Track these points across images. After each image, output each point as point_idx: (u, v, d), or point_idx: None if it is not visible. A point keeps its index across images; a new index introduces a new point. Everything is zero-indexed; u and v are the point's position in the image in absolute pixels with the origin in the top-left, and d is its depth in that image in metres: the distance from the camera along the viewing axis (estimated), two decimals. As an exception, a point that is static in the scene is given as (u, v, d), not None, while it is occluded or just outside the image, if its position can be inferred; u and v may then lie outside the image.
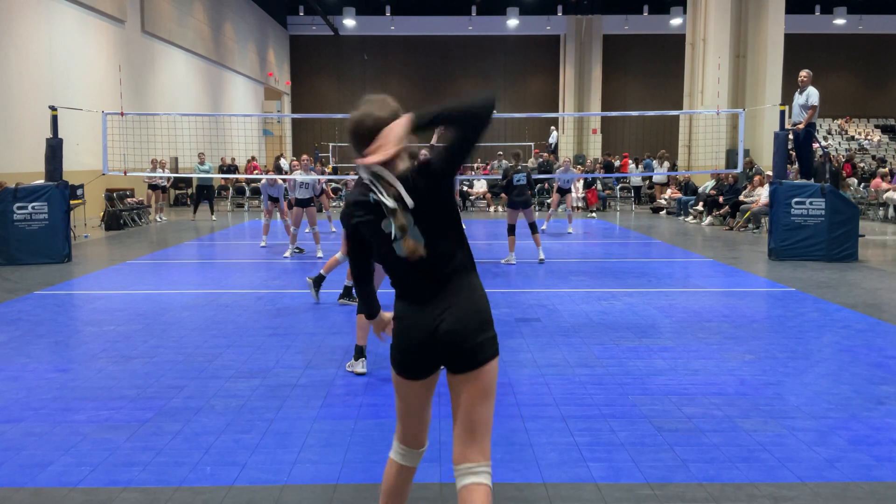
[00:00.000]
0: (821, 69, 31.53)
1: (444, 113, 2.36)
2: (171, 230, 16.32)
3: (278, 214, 13.93)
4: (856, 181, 20.81)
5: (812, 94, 11.60)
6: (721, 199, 16.86)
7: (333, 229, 15.41)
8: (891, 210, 17.61)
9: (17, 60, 14.88)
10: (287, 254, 11.82)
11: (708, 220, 17.04)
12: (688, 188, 19.83)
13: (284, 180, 13.06)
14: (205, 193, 18.95)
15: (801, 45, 32.93)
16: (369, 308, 2.74)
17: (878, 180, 18.88)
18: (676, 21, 33.04)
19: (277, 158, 27.14)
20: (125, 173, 13.94)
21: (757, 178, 16.29)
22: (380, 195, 2.32)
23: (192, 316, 7.32)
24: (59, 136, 11.39)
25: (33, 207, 10.85)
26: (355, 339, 5.41)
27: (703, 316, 7.23)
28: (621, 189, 23.83)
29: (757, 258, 11.32)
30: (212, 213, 19.16)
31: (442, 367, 2.54)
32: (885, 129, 36.84)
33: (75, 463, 3.82)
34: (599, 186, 22.43)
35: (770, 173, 12.83)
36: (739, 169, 14.62)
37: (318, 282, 7.93)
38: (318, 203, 14.50)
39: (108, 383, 5.15)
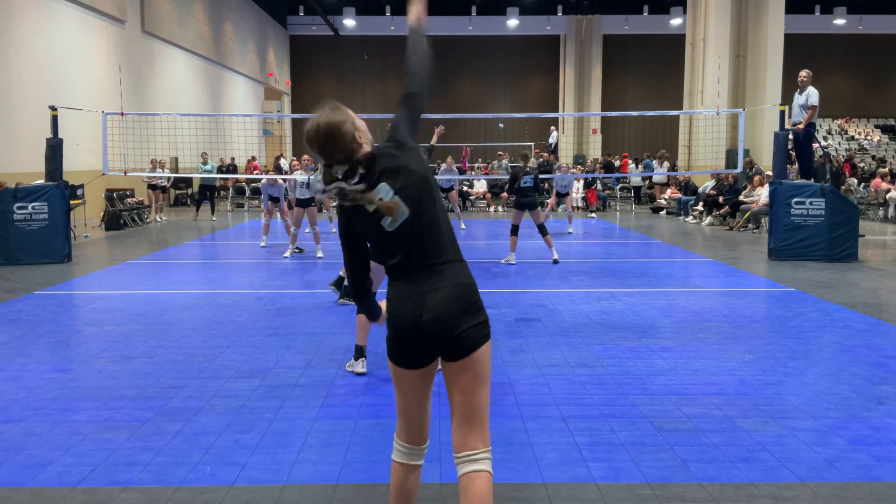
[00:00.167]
0: (821, 69, 31.53)
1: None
2: (171, 230, 16.32)
3: (278, 214, 13.93)
4: (855, 181, 20.80)
5: (812, 94, 11.60)
6: (721, 199, 16.87)
7: (334, 229, 15.40)
8: (891, 210, 17.61)
9: (17, 60, 14.88)
10: (287, 254, 11.82)
11: (708, 220, 17.04)
12: (688, 188, 19.83)
13: (285, 180, 13.06)
14: (207, 194, 18.95)
15: (801, 45, 32.92)
16: (371, 312, 2.74)
17: (878, 180, 18.88)
18: (676, 21, 33.05)
19: (277, 158, 27.13)
20: (125, 173, 13.94)
21: (757, 178, 16.29)
22: (346, 185, 2.43)
23: (192, 316, 7.32)
24: (59, 136, 11.39)
25: (33, 207, 10.85)
26: (355, 339, 5.41)
27: (703, 316, 7.23)
28: (621, 189, 23.83)
29: (757, 258, 11.32)
30: (212, 213, 19.16)
31: (437, 357, 2.53)
32: (885, 129, 36.85)
33: (75, 463, 3.82)
34: (599, 186, 22.43)
35: (770, 173, 12.83)
36: (739, 169, 14.62)
37: (339, 283, 7.93)
38: (318, 203, 14.50)
39: (108, 383, 5.15)
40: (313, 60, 38.40)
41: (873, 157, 30.27)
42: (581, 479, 3.60)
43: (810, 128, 11.76)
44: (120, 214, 16.52)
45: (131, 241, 13.99)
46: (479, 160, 30.29)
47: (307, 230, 13.44)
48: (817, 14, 35.87)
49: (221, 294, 8.53)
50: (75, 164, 15.68)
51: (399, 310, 2.47)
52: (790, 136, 12.00)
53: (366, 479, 3.60)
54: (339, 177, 2.47)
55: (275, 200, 13.10)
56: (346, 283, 7.80)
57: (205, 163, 18.67)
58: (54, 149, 11.15)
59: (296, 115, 37.10)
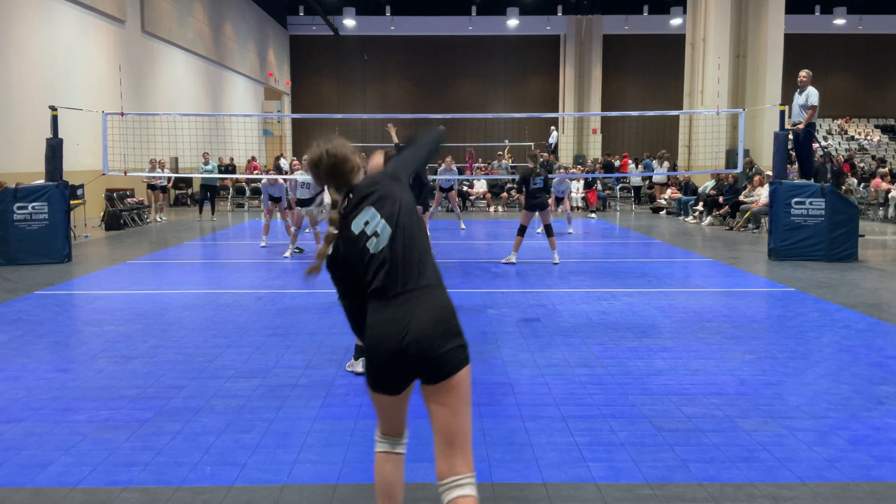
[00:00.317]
0: (821, 69, 31.52)
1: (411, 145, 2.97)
2: (172, 230, 16.32)
3: (279, 214, 13.92)
4: (855, 181, 20.81)
5: (812, 95, 11.60)
6: (721, 199, 16.86)
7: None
8: (891, 210, 17.61)
9: (17, 60, 14.88)
10: (287, 254, 11.82)
11: (708, 220, 17.04)
12: (688, 188, 19.83)
13: (286, 180, 13.06)
14: (208, 194, 18.93)
15: (801, 45, 32.91)
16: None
17: (877, 180, 18.88)
18: (676, 21, 33.03)
19: (277, 158, 27.14)
20: (125, 173, 13.94)
21: (757, 178, 16.29)
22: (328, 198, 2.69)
23: (192, 316, 7.32)
24: (59, 136, 11.39)
25: (33, 207, 10.85)
26: (355, 339, 5.41)
27: (703, 316, 7.23)
28: (621, 189, 23.83)
29: (757, 258, 11.32)
30: (212, 213, 19.15)
31: (416, 379, 2.58)
32: (885, 129, 36.85)
33: (75, 463, 3.82)
34: (599, 186, 22.43)
35: (770, 173, 12.83)
36: (739, 169, 14.62)
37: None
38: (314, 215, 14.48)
39: (108, 383, 5.15)
40: (313, 60, 38.40)
41: (873, 157, 30.27)
42: (581, 479, 3.60)
43: (810, 128, 11.76)
44: (120, 214, 16.52)
45: (131, 241, 13.99)
46: (479, 160, 30.28)
47: (307, 230, 13.43)
48: (817, 14, 35.86)
49: (221, 294, 8.53)
50: (75, 164, 15.67)
51: (381, 333, 2.52)
52: (790, 136, 12.00)
53: (366, 479, 3.60)
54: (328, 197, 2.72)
55: (275, 200, 13.10)
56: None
57: (206, 163, 18.66)
58: (54, 149, 11.15)
59: (296, 115, 37.26)
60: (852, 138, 35.51)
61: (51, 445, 4.04)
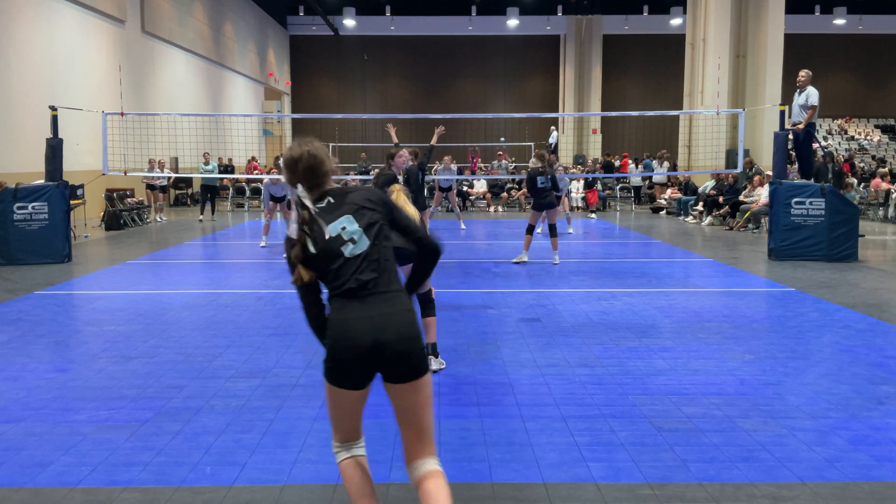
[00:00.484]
0: (821, 69, 31.53)
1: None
2: (172, 230, 16.32)
3: (279, 214, 13.90)
4: (855, 181, 20.81)
5: (812, 94, 11.60)
6: (721, 199, 16.86)
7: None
8: (891, 210, 17.61)
9: (17, 60, 14.88)
10: (287, 254, 11.79)
11: (708, 220, 17.04)
12: (688, 188, 19.83)
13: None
14: (208, 194, 18.91)
15: (801, 45, 32.91)
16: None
17: (877, 180, 18.88)
18: (676, 21, 33.04)
19: (277, 158, 27.10)
20: (125, 173, 13.95)
21: (757, 178, 16.28)
22: (306, 201, 2.78)
23: (192, 316, 7.32)
24: (59, 136, 11.39)
25: (33, 207, 10.85)
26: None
27: (703, 316, 7.23)
28: (621, 189, 23.83)
29: (757, 258, 11.32)
30: (212, 213, 19.15)
31: (376, 374, 2.72)
32: (885, 129, 36.85)
33: (75, 463, 3.82)
34: (599, 186, 22.43)
35: (770, 173, 12.83)
36: (739, 169, 14.62)
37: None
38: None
39: (108, 383, 5.15)
40: (313, 60, 38.40)
41: (873, 157, 30.27)
42: (581, 479, 3.61)
43: (810, 128, 11.76)
44: (120, 214, 16.52)
45: (131, 241, 13.99)
46: (479, 160, 30.27)
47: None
48: (817, 14, 35.85)
49: (221, 294, 8.53)
50: (75, 164, 15.68)
51: (355, 329, 2.63)
52: (790, 136, 12.00)
53: (366, 479, 3.60)
54: (307, 200, 2.77)
55: (277, 200, 13.07)
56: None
57: (207, 163, 18.65)
58: (54, 149, 11.15)
59: (296, 115, 37.23)
60: (852, 138, 35.51)
61: (51, 445, 4.04)
